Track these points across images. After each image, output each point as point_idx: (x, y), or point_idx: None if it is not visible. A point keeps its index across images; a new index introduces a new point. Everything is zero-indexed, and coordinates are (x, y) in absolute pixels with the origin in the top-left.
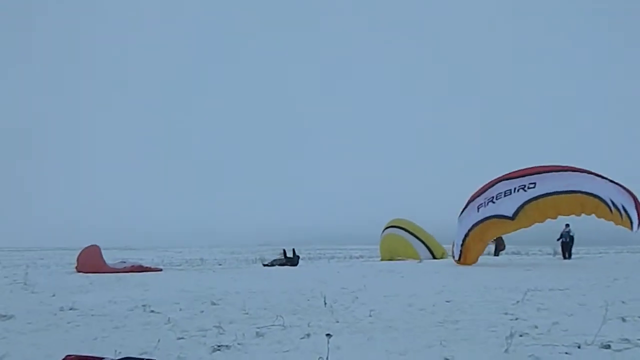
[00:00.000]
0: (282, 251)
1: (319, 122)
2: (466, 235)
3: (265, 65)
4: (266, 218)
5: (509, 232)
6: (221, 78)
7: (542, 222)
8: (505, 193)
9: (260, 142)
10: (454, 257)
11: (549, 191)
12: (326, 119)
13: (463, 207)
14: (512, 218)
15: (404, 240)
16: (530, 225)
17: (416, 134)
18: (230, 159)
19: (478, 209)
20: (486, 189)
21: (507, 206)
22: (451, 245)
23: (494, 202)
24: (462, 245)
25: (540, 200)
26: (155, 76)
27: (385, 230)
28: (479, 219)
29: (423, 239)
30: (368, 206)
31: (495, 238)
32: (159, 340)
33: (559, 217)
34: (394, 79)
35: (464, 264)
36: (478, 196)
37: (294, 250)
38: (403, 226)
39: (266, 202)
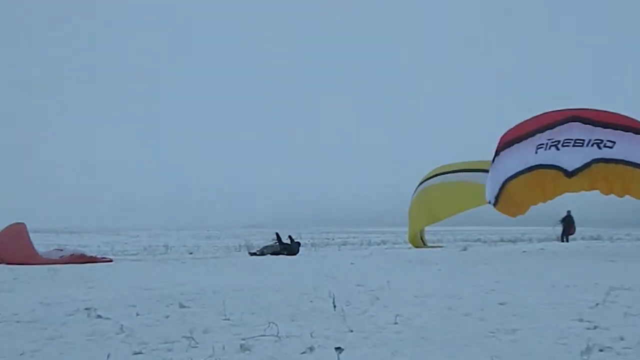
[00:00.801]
0: (275, 236)
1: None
2: (512, 177)
3: None
4: (256, 192)
5: (558, 191)
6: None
7: (605, 194)
8: (575, 142)
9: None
10: (486, 197)
11: (625, 158)
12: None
13: (517, 133)
14: (569, 175)
15: (462, 184)
16: (588, 190)
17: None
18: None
19: (537, 149)
20: (554, 126)
21: (571, 158)
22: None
23: (557, 149)
24: (501, 187)
25: (611, 165)
26: None
27: (423, 184)
28: (535, 164)
29: (483, 168)
30: (390, 178)
31: (563, 217)
32: (108, 356)
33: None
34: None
35: (502, 211)
36: (541, 132)
37: (290, 236)
38: (452, 169)
39: (257, 172)
